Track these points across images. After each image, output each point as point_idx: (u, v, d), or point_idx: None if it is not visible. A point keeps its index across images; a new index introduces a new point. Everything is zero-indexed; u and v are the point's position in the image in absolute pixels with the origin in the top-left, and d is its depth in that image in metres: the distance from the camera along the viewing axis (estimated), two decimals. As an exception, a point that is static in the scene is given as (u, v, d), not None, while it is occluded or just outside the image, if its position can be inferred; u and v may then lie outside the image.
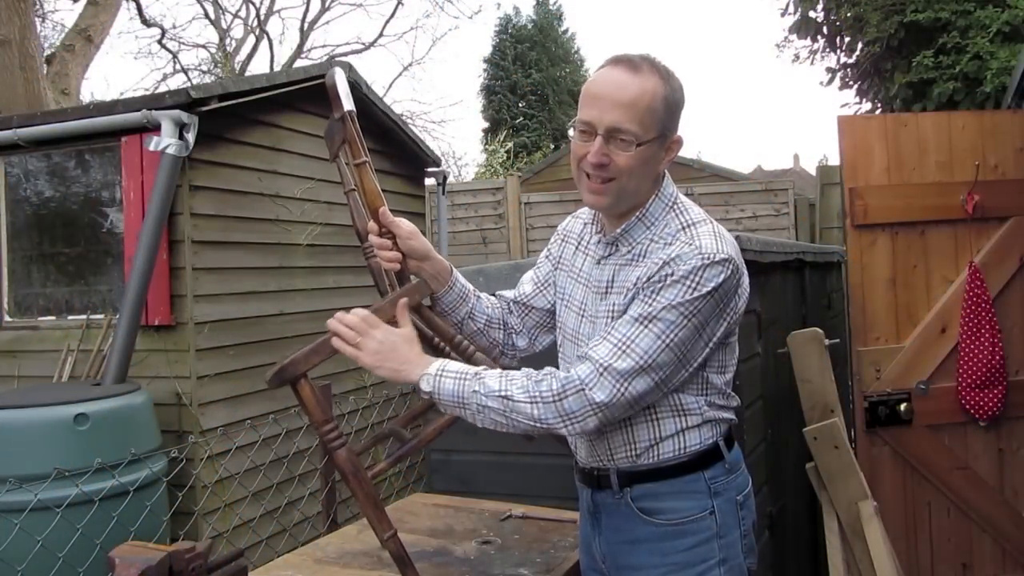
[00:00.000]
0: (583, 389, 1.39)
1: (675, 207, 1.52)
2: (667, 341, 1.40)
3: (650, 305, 1.41)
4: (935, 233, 3.24)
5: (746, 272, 1.51)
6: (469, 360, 1.69)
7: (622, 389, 1.39)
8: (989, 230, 3.22)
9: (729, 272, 1.42)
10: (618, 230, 1.53)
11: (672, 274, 1.40)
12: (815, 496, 2.93)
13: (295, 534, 3.99)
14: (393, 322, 1.52)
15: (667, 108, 1.45)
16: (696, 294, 1.39)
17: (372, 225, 1.61)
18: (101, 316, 4.08)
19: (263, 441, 3.80)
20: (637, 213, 1.52)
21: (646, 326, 1.40)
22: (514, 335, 1.76)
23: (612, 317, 1.49)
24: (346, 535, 2.08)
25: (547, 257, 1.76)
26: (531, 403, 1.41)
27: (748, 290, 1.53)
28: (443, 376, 1.46)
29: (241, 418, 3.87)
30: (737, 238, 2.26)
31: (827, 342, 2.89)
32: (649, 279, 1.43)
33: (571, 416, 1.41)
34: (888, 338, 3.22)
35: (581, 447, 1.61)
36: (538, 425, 1.43)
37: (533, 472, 2.43)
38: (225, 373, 4.04)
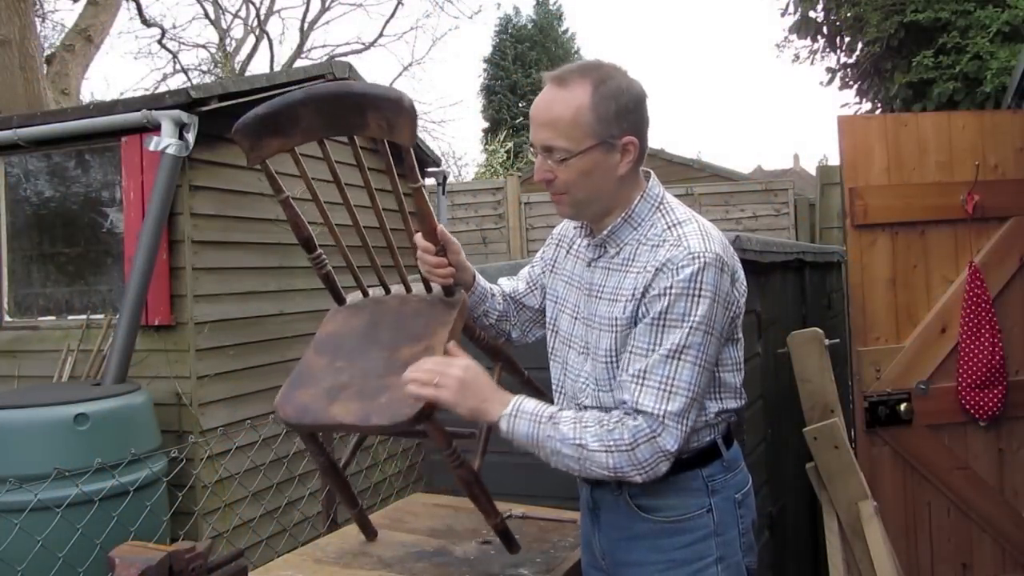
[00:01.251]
0: (654, 437, 1.40)
1: (661, 207, 1.54)
2: (701, 363, 1.42)
3: (670, 331, 1.41)
4: (935, 233, 3.23)
5: (740, 265, 1.53)
6: (487, 349, 1.81)
7: (683, 428, 1.42)
8: (989, 230, 3.22)
9: (720, 269, 1.43)
10: (605, 232, 1.55)
11: (671, 287, 1.41)
12: (815, 496, 2.93)
13: (295, 534, 3.99)
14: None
15: (599, 115, 1.45)
16: (705, 304, 1.41)
17: (428, 244, 1.62)
18: (101, 316, 4.07)
19: (263, 441, 3.80)
20: (623, 214, 1.53)
21: (680, 359, 1.41)
22: (510, 326, 1.83)
23: (615, 329, 1.49)
24: (346, 535, 2.08)
25: (541, 258, 1.79)
26: (606, 452, 1.41)
27: (745, 282, 1.55)
28: (518, 417, 1.46)
29: (241, 418, 3.87)
30: (737, 238, 2.28)
31: (827, 342, 2.89)
32: (647, 292, 1.44)
33: (643, 464, 1.41)
34: (888, 338, 3.22)
35: None
36: (611, 473, 1.42)
37: (533, 472, 2.43)
38: (225, 373, 4.04)
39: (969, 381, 3.11)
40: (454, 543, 1.99)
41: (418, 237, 1.63)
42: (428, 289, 1.74)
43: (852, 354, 3.26)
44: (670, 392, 1.40)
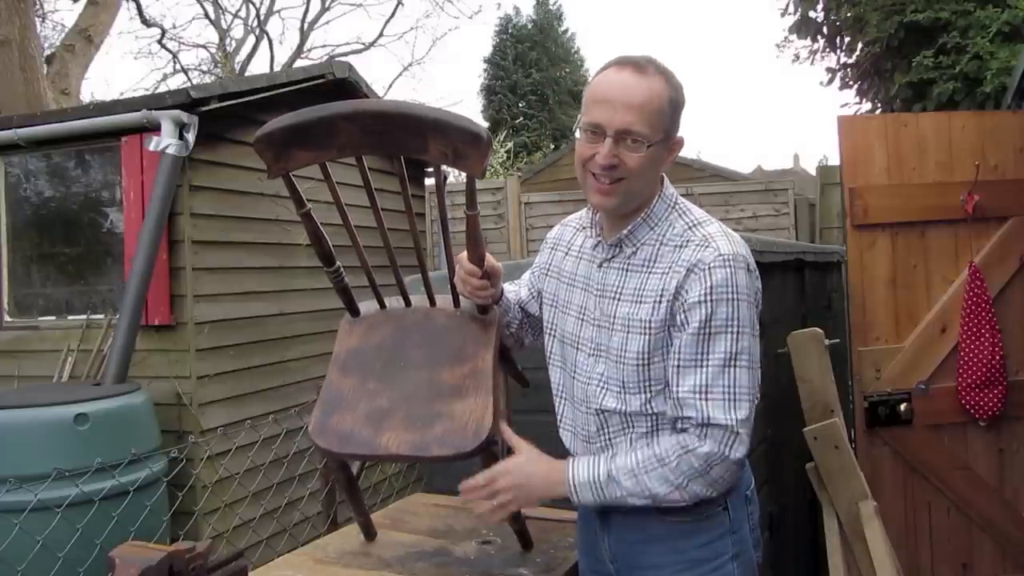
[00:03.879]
0: (726, 456, 1.42)
1: (677, 207, 1.54)
2: (753, 364, 1.45)
3: (717, 339, 1.42)
4: (935, 233, 3.23)
5: (753, 263, 1.55)
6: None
7: (750, 431, 1.44)
8: (989, 230, 3.22)
9: (747, 270, 1.46)
10: (624, 231, 1.53)
11: (709, 293, 1.41)
12: (815, 496, 2.93)
13: (295, 534, 3.98)
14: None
15: (672, 109, 1.47)
16: (744, 306, 1.43)
17: (474, 268, 1.61)
18: (101, 316, 4.07)
19: (263, 441, 3.80)
20: (642, 214, 1.53)
21: (735, 365, 1.42)
22: (523, 332, 1.86)
23: (647, 332, 1.47)
24: (346, 535, 2.08)
25: (538, 265, 1.79)
26: (677, 489, 1.43)
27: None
28: (579, 490, 1.49)
29: (241, 418, 3.87)
30: (737, 238, 2.28)
31: (827, 342, 2.88)
32: (680, 294, 1.44)
33: (719, 482, 1.44)
34: (888, 338, 3.22)
35: (583, 451, 1.61)
36: (688, 501, 1.45)
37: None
38: (225, 373, 4.04)
39: (969, 381, 3.10)
40: (454, 543, 1.99)
41: (462, 258, 1.62)
42: (456, 304, 1.71)
43: (852, 354, 3.26)
44: (735, 400, 1.42)
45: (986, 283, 3.12)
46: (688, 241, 1.47)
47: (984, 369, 3.08)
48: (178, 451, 3.26)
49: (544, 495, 1.52)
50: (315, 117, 1.45)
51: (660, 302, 1.46)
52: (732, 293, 1.42)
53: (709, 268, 1.42)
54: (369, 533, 1.99)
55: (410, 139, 1.44)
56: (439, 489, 2.60)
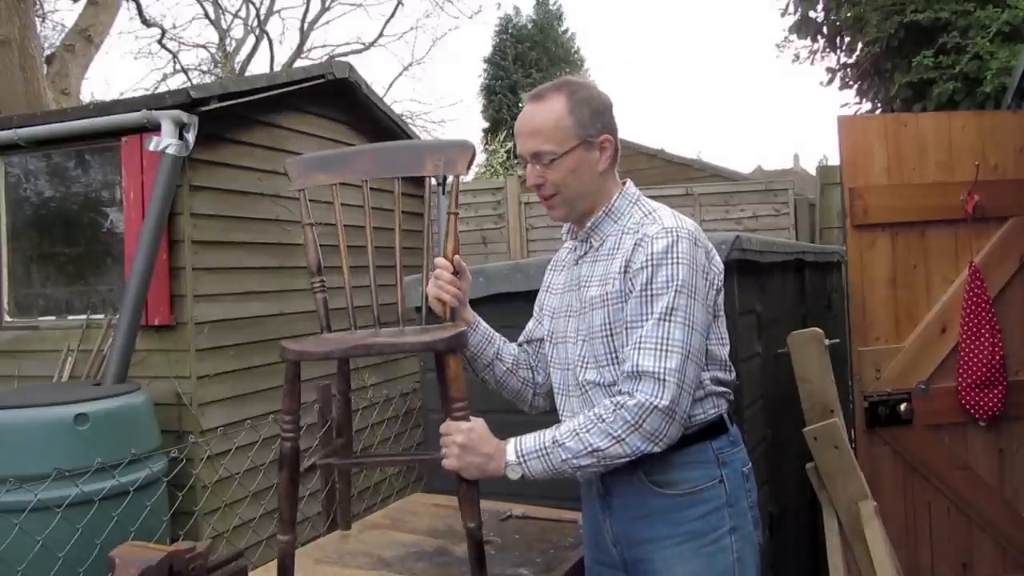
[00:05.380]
0: (655, 406, 1.48)
1: (638, 203, 1.68)
2: (689, 324, 1.52)
3: (657, 299, 1.52)
4: (935, 233, 3.23)
5: (712, 247, 1.64)
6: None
7: (680, 382, 1.49)
8: (989, 230, 3.22)
9: (693, 243, 1.56)
10: (588, 225, 1.68)
11: (650, 259, 1.53)
12: (815, 496, 2.93)
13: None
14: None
15: (578, 119, 1.61)
16: (684, 269, 1.52)
17: (447, 263, 1.73)
18: (101, 316, 4.07)
19: (263, 441, 3.80)
20: (604, 208, 1.67)
21: (670, 320, 1.50)
22: (531, 371, 1.86)
23: (606, 304, 1.59)
24: (346, 535, 2.08)
25: (541, 288, 1.89)
26: (618, 442, 1.49)
27: (720, 262, 1.66)
28: (527, 460, 1.53)
29: (241, 418, 3.87)
30: (737, 238, 2.28)
31: (827, 342, 2.89)
32: (629, 267, 1.55)
33: (655, 434, 1.49)
34: (888, 338, 3.22)
35: None
36: (633, 455, 1.50)
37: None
38: (225, 373, 4.04)
39: (969, 381, 3.11)
40: (454, 543, 2.00)
41: (439, 260, 1.73)
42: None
43: (852, 354, 3.26)
44: (666, 351, 1.49)
45: (986, 283, 3.12)
46: (641, 225, 1.60)
47: (984, 369, 3.08)
48: (178, 451, 3.26)
49: (485, 465, 1.54)
50: (338, 153, 1.87)
51: (617, 277, 1.58)
52: (672, 258, 1.53)
53: (652, 239, 1.54)
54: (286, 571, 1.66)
55: (409, 161, 1.85)
56: (439, 489, 2.61)
